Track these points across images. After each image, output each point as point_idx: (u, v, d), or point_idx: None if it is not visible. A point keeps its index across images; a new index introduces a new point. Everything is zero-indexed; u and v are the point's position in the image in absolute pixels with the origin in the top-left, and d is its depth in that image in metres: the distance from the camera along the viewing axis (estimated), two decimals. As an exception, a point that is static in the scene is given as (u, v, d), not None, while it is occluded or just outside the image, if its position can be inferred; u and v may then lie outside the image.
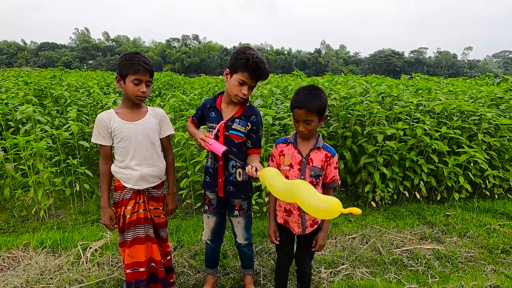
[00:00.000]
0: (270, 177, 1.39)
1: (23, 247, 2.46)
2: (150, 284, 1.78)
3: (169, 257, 1.92)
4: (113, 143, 1.64)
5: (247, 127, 1.68)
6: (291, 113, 1.58)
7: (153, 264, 1.76)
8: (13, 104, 4.16)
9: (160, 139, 1.75)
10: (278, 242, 1.71)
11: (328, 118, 3.55)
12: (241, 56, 1.54)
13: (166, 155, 1.81)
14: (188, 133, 1.87)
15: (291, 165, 1.58)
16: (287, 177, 1.60)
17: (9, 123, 3.85)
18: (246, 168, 1.48)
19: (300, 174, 1.56)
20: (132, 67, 1.53)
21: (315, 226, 1.65)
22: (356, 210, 1.11)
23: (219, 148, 1.56)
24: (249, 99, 1.74)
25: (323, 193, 1.63)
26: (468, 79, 8.65)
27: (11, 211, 3.16)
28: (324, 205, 1.19)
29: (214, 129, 1.68)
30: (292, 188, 1.30)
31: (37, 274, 2.15)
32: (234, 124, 1.66)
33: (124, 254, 1.71)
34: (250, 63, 1.52)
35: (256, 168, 1.45)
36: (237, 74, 1.57)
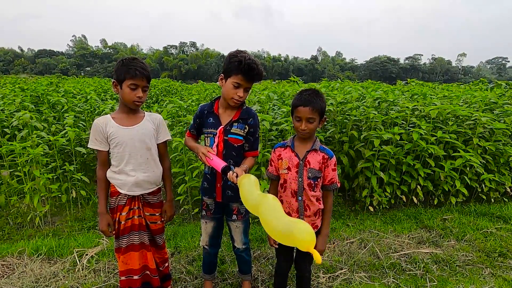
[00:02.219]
0: (244, 186, 1.35)
1: (18, 255, 2.43)
2: None
3: (166, 264, 1.89)
4: (109, 149, 1.64)
5: (245, 130, 1.69)
6: (290, 116, 1.61)
7: (147, 272, 1.73)
8: (9, 110, 4.15)
9: (157, 144, 1.74)
10: (277, 246, 1.71)
11: (325, 123, 3.57)
12: (233, 59, 1.57)
13: (163, 161, 1.79)
14: (187, 147, 1.87)
15: (288, 168, 1.60)
16: (285, 181, 1.62)
17: (5, 129, 3.83)
18: (228, 173, 1.48)
19: (298, 176, 1.57)
20: (129, 72, 1.53)
21: (315, 230, 1.65)
22: (317, 257, 1.05)
23: (220, 164, 1.56)
24: (245, 104, 1.76)
25: (323, 196, 1.64)
26: (462, 84, 8.77)
27: (6, 218, 3.12)
28: (282, 228, 1.11)
29: (213, 134, 1.69)
30: (259, 202, 1.23)
31: (32, 282, 2.12)
32: (233, 128, 1.67)
33: (119, 260, 1.69)
34: (243, 65, 1.55)
35: (236, 174, 1.45)
36: (231, 78, 1.59)
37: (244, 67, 1.55)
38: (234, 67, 1.57)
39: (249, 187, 1.34)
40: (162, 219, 1.79)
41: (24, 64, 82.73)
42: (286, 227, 1.12)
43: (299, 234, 1.10)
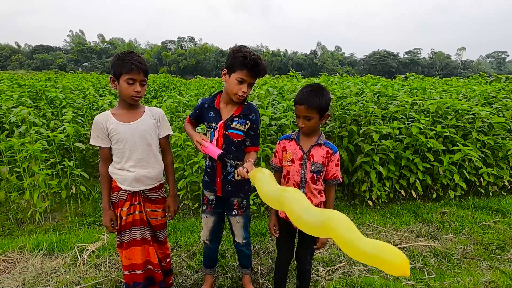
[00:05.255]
0: (260, 179, 1.32)
1: (19, 250, 2.44)
2: (148, 287, 1.76)
3: (168, 259, 1.90)
4: (111, 145, 1.63)
5: (246, 125, 1.68)
6: (294, 112, 1.61)
7: (150, 267, 1.74)
8: (7, 106, 4.13)
9: (159, 139, 1.73)
10: (277, 235, 1.72)
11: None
12: (238, 54, 1.55)
13: (165, 156, 1.79)
14: (186, 133, 1.87)
15: (292, 160, 1.61)
16: (288, 172, 1.63)
17: (3, 125, 3.82)
18: (237, 169, 1.47)
19: (301, 169, 1.59)
20: (125, 66, 1.50)
21: None
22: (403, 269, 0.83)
23: (215, 151, 1.55)
24: (247, 99, 1.75)
25: (325, 189, 1.65)
26: (461, 79, 8.75)
27: (6, 214, 3.13)
28: (313, 219, 1.01)
29: (213, 128, 1.69)
30: (283, 196, 1.17)
31: (34, 277, 2.13)
32: (233, 123, 1.67)
33: (122, 255, 1.70)
34: (248, 61, 1.53)
35: (247, 170, 1.44)
36: (235, 73, 1.57)
37: (249, 63, 1.53)
38: (239, 62, 1.55)
39: (266, 181, 1.29)
40: (165, 215, 1.79)
41: (21, 60, 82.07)
42: (320, 220, 1.01)
43: (325, 220, 0.97)
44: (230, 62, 1.59)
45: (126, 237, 1.67)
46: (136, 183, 1.64)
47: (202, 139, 1.62)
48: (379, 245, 0.90)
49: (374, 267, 2.28)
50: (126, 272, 1.70)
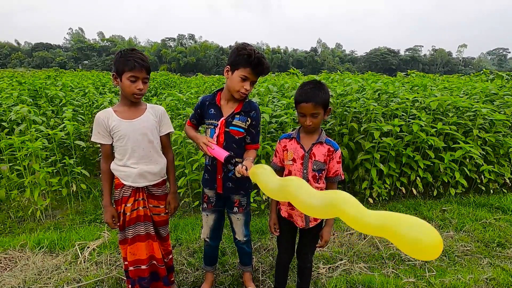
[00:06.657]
0: (262, 175, 1.33)
1: (20, 248, 2.45)
2: (151, 282, 1.78)
3: (170, 256, 1.91)
4: (113, 142, 1.64)
5: (247, 122, 1.68)
6: (294, 109, 1.59)
7: (154, 262, 1.76)
8: (7, 104, 4.12)
9: (160, 137, 1.74)
10: (277, 233, 1.72)
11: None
12: (242, 52, 1.55)
13: (166, 153, 1.79)
14: (187, 136, 1.86)
15: (294, 160, 1.60)
16: (290, 172, 1.62)
17: (3, 123, 3.81)
18: (237, 167, 1.47)
19: (303, 168, 1.58)
20: (128, 64, 1.50)
21: (319, 220, 1.66)
22: None
23: (222, 153, 1.54)
24: (248, 95, 1.75)
25: (327, 187, 1.65)
26: (462, 76, 8.71)
27: (7, 212, 3.14)
28: (318, 202, 1.07)
29: (214, 125, 1.68)
30: (286, 185, 1.20)
31: (35, 274, 2.14)
32: (234, 120, 1.66)
33: (126, 251, 1.70)
34: (252, 59, 1.53)
35: (246, 167, 1.44)
36: (239, 70, 1.57)
37: (253, 61, 1.53)
38: (242, 60, 1.54)
39: (268, 175, 1.30)
40: (166, 211, 1.80)
41: (21, 58, 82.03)
42: (325, 202, 1.06)
43: (326, 201, 1.03)
44: (233, 59, 1.58)
45: (130, 232, 1.68)
46: (140, 179, 1.65)
47: (209, 141, 1.61)
48: (387, 216, 0.87)
49: (375, 261, 2.26)
50: (131, 268, 1.71)
